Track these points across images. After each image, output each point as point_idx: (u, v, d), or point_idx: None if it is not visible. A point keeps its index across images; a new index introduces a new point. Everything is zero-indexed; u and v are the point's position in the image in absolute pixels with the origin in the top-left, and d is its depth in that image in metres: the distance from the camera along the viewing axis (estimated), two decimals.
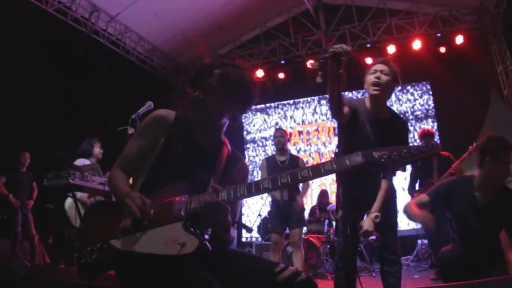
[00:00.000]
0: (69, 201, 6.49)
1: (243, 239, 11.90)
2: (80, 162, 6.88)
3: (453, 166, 6.79)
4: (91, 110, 11.14)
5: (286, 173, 2.15)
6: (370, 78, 3.83)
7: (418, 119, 11.31)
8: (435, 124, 11.11)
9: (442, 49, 10.78)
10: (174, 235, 2.06)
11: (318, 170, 2.14)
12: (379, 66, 3.86)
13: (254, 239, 10.71)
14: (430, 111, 11.24)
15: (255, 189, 2.15)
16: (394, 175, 3.98)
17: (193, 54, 13.37)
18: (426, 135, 7.45)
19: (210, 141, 2.57)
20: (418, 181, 7.53)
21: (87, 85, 11.07)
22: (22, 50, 9.60)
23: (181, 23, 11.54)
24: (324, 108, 12.43)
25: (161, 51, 13.02)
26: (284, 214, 6.92)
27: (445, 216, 6.73)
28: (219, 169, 2.49)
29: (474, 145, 6.78)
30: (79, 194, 6.25)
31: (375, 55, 11.35)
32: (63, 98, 10.80)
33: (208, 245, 2.05)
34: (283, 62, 12.36)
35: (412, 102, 11.50)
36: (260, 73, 12.31)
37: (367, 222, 3.62)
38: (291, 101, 13.01)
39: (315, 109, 12.67)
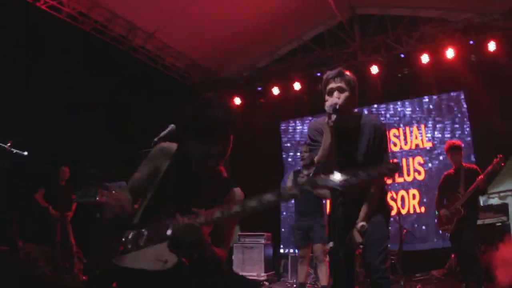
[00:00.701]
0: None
1: (281, 251, 12.03)
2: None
3: (478, 179, 6.72)
4: (131, 127, 11.45)
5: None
6: (328, 100, 3.61)
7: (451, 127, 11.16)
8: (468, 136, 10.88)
9: (473, 57, 10.59)
10: (161, 253, 2.47)
11: (284, 194, 2.38)
12: (333, 83, 3.66)
13: (291, 251, 10.84)
14: (463, 121, 11.03)
15: (226, 213, 2.45)
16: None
17: (233, 68, 13.68)
18: (452, 148, 7.31)
19: (205, 173, 2.85)
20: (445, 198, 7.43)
21: (129, 101, 11.41)
22: (62, 69, 10.02)
23: (219, 37, 11.76)
24: None
25: (200, 65, 13.33)
26: (304, 228, 7.08)
27: (473, 231, 6.74)
28: (210, 197, 2.77)
29: (498, 157, 6.73)
30: None
31: (409, 65, 11.37)
32: (105, 114, 11.16)
33: (185, 261, 2.48)
34: (318, 74, 12.43)
35: (445, 111, 11.33)
36: (297, 85, 12.51)
37: (353, 235, 3.59)
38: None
39: None
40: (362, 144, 3.69)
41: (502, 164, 6.74)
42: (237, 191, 2.92)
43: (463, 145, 7.49)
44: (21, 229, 8.68)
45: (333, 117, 3.39)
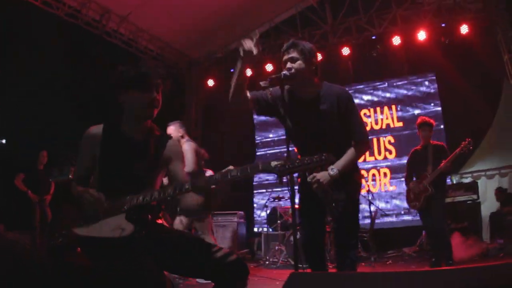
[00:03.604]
0: None
1: (255, 229, 12.16)
2: None
3: (444, 161, 6.78)
4: (105, 111, 11.33)
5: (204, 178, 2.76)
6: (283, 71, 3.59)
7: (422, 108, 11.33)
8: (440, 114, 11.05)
9: (446, 40, 10.73)
10: (119, 223, 2.74)
11: (225, 175, 2.63)
12: (286, 55, 3.64)
13: (264, 229, 10.93)
14: (434, 102, 11.21)
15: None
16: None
17: (204, 49, 13.64)
18: (423, 125, 7.35)
19: (140, 133, 3.03)
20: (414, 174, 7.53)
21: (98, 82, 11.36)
22: (37, 55, 9.92)
23: (190, 19, 11.67)
24: None
25: (173, 47, 13.28)
26: None
27: (440, 205, 6.88)
28: (151, 156, 2.99)
29: (467, 141, 6.82)
30: None
31: (381, 47, 11.46)
32: (80, 99, 11.09)
33: (142, 229, 2.78)
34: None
35: (416, 92, 11.49)
36: (269, 67, 12.54)
37: (321, 173, 3.49)
38: None
39: None
40: (323, 115, 3.63)
41: (471, 147, 6.82)
42: (173, 142, 3.14)
43: (434, 123, 7.56)
44: (1, 215, 8.63)
45: (264, 83, 3.44)
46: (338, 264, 3.78)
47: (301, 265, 7.49)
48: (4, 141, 6.61)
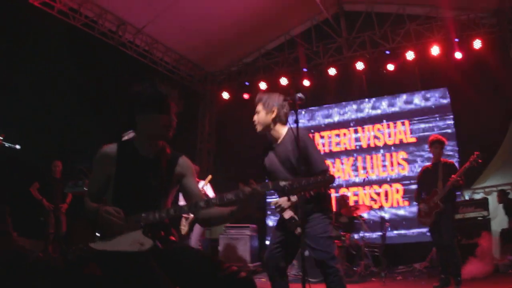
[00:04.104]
0: None
1: (267, 242, 12.12)
2: None
3: (452, 177, 6.79)
4: (120, 122, 11.41)
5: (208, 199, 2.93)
6: None
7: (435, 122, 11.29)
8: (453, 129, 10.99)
9: (459, 55, 10.70)
10: (136, 238, 2.85)
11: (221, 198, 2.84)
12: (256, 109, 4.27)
13: None
14: (447, 117, 11.16)
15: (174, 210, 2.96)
16: None
17: (219, 63, 13.77)
18: (435, 142, 7.37)
19: (152, 151, 3.12)
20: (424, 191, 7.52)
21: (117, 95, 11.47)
22: (52, 65, 10.07)
23: (207, 32, 11.84)
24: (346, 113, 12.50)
25: (188, 60, 13.42)
26: None
27: (450, 222, 6.87)
28: (164, 174, 3.10)
29: (475, 154, 6.82)
30: None
31: (394, 61, 11.48)
32: (94, 109, 11.19)
33: (159, 245, 2.91)
34: (305, 70, 12.52)
35: (429, 107, 11.45)
36: (284, 81, 12.61)
37: (281, 199, 3.95)
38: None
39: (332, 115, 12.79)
40: (286, 154, 4.09)
41: (479, 160, 6.81)
42: (184, 159, 3.24)
43: (447, 142, 7.58)
44: (15, 223, 8.73)
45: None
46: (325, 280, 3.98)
47: (314, 279, 7.66)
48: (18, 146, 6.71)
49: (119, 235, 2.86)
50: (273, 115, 4.16)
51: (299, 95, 3.80)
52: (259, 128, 4.22)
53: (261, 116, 4.18)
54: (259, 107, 4.20)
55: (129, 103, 3.05)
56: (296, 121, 3.71)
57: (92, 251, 2.87)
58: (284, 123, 4.26)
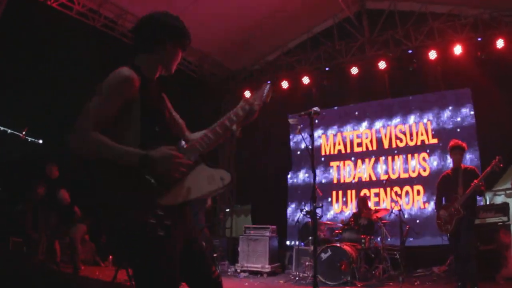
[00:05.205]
0: None
1: (287, 242, 12.17)
2: None
3: (474, 182, 6.72)
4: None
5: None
6: None
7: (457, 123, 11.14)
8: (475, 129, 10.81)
9: (482, 54, 10.54)
10: (207, 174, 2.53)
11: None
12: None
13: (296, 243, 10.91)
14: (469, 118, 10.97)
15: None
16: None
17: (242, 61, 13.80)
18: (455, 148, 7.28)
19: (155, 83, 2.86)
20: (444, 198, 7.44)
21: None
22: (73, 66, 10.23)
23: (229, 31, 11.90)
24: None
25: (210, 59, 13.47)
26: None
27: (470, 228, 6.79)
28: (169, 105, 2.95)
29: (497, 159, 6.74)
30: None
31: (417, 60, 11.33)
32: None
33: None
34: (327, 68, 12.43)
35: (451, 107, 11.29)
36: (306, 79, 12.58)
37: None
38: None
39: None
40: None
41: (501, 165, 6.74)
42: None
43: (467, 147, 7.47)
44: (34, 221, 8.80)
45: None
46: None
47: (330, 282, 7.67)
48: (41, 141, 6.80)
49: (185, 177, 2.50)
50: None
51: (315, 109, 3.79)
52: None
53: None
54: None
55: (159, 27, 2.80)
56: (311, 135, 3.70)
57: (170, 209, 2.40)
58: None
